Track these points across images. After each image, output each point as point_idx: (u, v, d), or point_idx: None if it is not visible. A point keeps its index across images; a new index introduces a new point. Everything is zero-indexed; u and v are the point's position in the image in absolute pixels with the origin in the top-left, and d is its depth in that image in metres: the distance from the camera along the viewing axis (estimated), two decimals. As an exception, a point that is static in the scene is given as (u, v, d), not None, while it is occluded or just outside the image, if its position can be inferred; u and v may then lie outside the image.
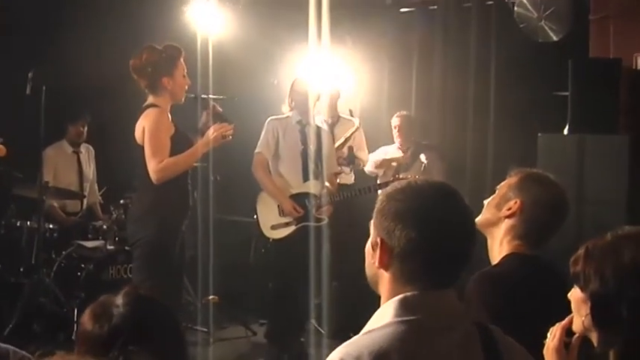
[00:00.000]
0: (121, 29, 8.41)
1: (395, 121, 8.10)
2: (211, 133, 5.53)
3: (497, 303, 2.85)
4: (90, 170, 8.53)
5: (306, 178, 6.80)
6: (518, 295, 2.90)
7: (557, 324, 2.44)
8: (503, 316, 2.56)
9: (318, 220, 6.78)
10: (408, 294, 2.04)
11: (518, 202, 3.08)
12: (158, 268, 5.30)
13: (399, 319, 2.01)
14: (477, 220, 3.02)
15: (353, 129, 7.82)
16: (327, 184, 6.92)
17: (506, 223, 3.10)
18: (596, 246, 2.30)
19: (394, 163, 8.02)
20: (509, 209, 3.09)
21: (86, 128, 8.40)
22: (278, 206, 6.78)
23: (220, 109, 5.87)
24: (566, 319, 2.41)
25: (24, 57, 7.59)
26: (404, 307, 2.02)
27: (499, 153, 7.93)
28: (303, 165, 6.80)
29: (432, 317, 2.02)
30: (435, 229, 2.04)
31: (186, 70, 5.57)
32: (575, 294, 2.33)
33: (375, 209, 2.13)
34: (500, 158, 7.79)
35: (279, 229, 6.75)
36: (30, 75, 6.95)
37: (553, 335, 2.44)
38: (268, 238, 6.85)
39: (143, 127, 5.39)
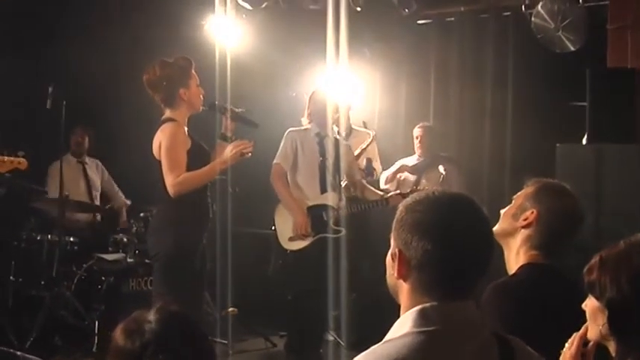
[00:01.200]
0: (139, 44, 8.47)
1: (417, 131, 8.08)
2: (230, 150, 5.54)
3: (511, 313, 2.86)
4: (98, 180, 8.59)
5: (323, 190, 6.82)
6: (532, 305, 2.91)
7: (574, 334, 2.45)
8: (517, 326, 2.56)
9: (336, 231, 6.79)
10: (427, 305, 2.04)
11: (535, 212, 3.08)
12: (178, 281, 5.31)
13: (418, 329, 2.02)
14: (494, 229, 2.98)
15: (369, 140, 7.83)
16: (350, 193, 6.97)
17: (523, 234, 3.10)
18: (610, 254, 2.31)
19: (401, 176, 8.02)
20: (525, 219, 3.09)
21: (87, 139, 8.48)
22: None
23: (238, 110, 5.87)
24: (583, 329, 2.42)
25: (45, 71, 7.63)
26: (422, 317, 2.03)
27: (517, 163, 7.91)
28: (321, 177, 6.81)
29: (450, 328, 2.02)
30: (452, 241, 2.04)
31: (198, 80, 5.58)
32: (590, 303, 2.34)
33: (394, 220, 2.14)
34: (518, 169, 7.78)
35: (297, 240, 6.76)
36: (50, 89, 7.01)
37: (570, 344, 2.45)
38: (286, 250, 6.87)
39: (160, 141, 5.42)
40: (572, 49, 7.45)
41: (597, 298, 2.30)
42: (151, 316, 2.20)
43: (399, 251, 2.09)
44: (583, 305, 2.38)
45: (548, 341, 2.46)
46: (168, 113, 5.52)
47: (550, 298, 2.94)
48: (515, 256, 3.12)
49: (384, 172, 8.07)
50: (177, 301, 4.78)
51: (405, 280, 2.10)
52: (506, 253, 3.16)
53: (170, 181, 5.34)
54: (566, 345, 2.47)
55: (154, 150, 5.48)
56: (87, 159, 8.60)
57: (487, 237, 2.13)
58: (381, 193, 7.16)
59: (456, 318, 2.04)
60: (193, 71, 5.55)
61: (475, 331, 2.08)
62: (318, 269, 6.60)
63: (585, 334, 2.41)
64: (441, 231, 2.05)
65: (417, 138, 8.07)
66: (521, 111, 8.08)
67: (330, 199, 6.81)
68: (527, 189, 3.17)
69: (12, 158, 6.82)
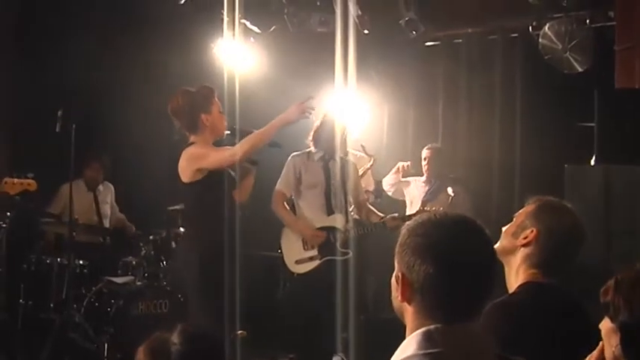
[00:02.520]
0: (149, 67, 8.53)
1: (425, 152, 8.10)
2: (293, 109, 5.68)
3: (510, 332, 2.83)
4: (108, 207, 8.62)
5: (330, 212, 6.82)
6: (531, 324, 2.90)
7: (590, 354, 2.44)
8: (517, 345, 2.56)
9: (344, 253, 6.78)
10: (431, 327, 2.05)
11: (535, 230, 3.08)
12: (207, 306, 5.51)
13: (422, 351, 2.02)
14: (495, 247, 3.02)
15: (368, 165, 7.85)
16: (354, 216, 6.95)
17: (523, 252, 3.10)
18: (626, 277, 2.31)
19: (404, 179, 8.05)
20: (525, 238, 3.09)
21: (102, 171, 8.51)
22: (302, 240, 6.81)
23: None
24: (598, 349, 2.41)
25: (54, 94, 7.67)
26: (427, 339, 2.03)
27: (525, 185, 7.91)
28: (327, 199, 6.82)
29: (454, 350, 2.02)
30: (453, 265, 2.04)
31: (221, 107, 5.70)
32: (605, 324, 2.34)
33: (397, 243, 2.15)
34: (527, 190, 7.71)
35: (304, 263, 6.77)
36: (60, 113, 7.03)
37: None
38: (293, 273, 6.87)
39: (185, 161, 5.52)
40: (580, 69, 7.46)
41: (611, 319, 2.30)
42: (175, 337, 2.21)
43: (402, 274, 2.10)
44: (600, 325, 2.37)
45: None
46: (192, 139, 5.65)
47: (549, 317, 2.93)
48: (515, 274, 3.12)
49: (385, 178, 8.09)
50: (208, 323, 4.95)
51: (409, 303, 2.10)
52: (506, 270, 3.16)
53: (228, 154, 5.52)
54: None
55: (180, 174, 5.57)
56: (100, 186, 8.64)
57: (490, 259, 2.13)
58: (381, 215, 7.15)
59: (460, 340, 2.04)
60: (216, 98, 5.68)
61: (480, 352, 2.07)
62: (326, 292, 6.59)
63: (599, 354, 2.40)
64: (442, 255, 2.05)
65: (424, 159, 8.08)
66: (530, 132, 8.08)
67: (337, 221, 6.81)
68: (528, 207, 3.17)
69: (22, 180, 6.87)
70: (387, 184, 8.15)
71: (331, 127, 6.87)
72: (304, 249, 6.79)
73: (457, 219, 2.14)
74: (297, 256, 6.78)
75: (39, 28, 8.50)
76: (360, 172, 7.66)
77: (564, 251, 3.10)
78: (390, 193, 8.19)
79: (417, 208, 7.73)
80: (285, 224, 6.90)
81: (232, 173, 5.70)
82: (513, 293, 3.09)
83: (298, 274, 6.83)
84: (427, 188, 8.04)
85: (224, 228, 5.59)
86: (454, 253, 2.05)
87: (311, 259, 6.75)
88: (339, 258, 6.75)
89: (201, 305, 5.59)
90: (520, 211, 3.20)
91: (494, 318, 2.89)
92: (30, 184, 6.99)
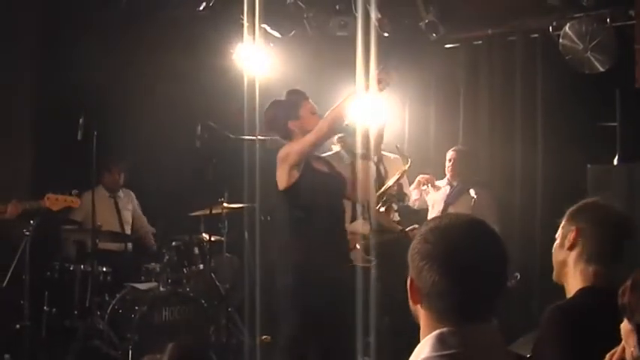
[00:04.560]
0: (169, 72, 8.55)
1: (450, 154, 8.08)
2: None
3: (568, 337, 2.82)
4: (129, 213, 8.61)
5: (353, 218, 6.78)
6: (588, 329, 2.85)
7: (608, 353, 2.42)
8: (573, 349, 2.54)
9: (367, 260, 6.70)
10: (444, 330, 2.06)
11: (574, 229, 3.06)
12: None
13: (436, 353, 2.03)
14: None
15: (405, 167, 7.79)
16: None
17: (573, 256, 3.06)
18: None
19: (426, 189, 8.01)
20: (569, 241, 3.07)
21: (122, 175, 8.50)
22: None
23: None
24: (619, 350, 2.39)
25: (74, 103, 7.69)
26: (440, 342, 2.05)
27: (548, 185, 7.88)
28: (352, 204, 6.76)
29: (468, 351, 2.03)
30: (459, 273, 2.06)
31: (314, 109, 5.79)
32: (624, 325, 2.32)
33: (410, 247, 2.16)
34: (550, 191, 7.75)
35: None
36: (81, 120, 7.05)
37: None
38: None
39: (278, 170, 5.62)
40: (602, 69, 7.41)
41: (629, 320, 2.28)
42: (164, 357, 2.19)
43: (412, 280, 2.13)
44: (621, 326, 2.36)
45: None
46: None
47: (606, 323, 2.90)
48: (573, 280, 3.07)
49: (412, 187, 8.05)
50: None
51: (420, 306, 2.13)
52: (566, 288, 3.12)
53: (308, 138, 5.58)
54: None
55: (278, 184, 5.65)
56: (120, 191, 8.64)
57: (500, 264, 2.13)
58: (399, 227, 7.06)
59: (474, 341, 2.05)
60: (307, 102, 5.79)
61: (495, 352, 2.07)
62: (350, 297, 6.52)
63: (620, 355, 2.38)
64: (448, 263, 2.06)
65: (449, 160, 8.04)
66: (552, 133, 8.04)
67: (360, 227, 6.75)
68: (565, 217, 3.15)
69: (65, 197, 6.88)
70: (411, 200, 8.07)
71: (352, 128, 6.80)
72: None
73: (466, 224, 2.14)
74: None
75: (59, 34, 8.54)
76: (398, 176, 7.57)
77: (610, 238, 3.04)
78: (414, 207, 8.12)
79: (439, 211, 7.70)
80: None
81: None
82: (572, 297, 3.05)
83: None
84: (449, 191, 8.00)
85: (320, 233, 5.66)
86: (460, 262, 2.06)
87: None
88: (362, 265, 6.67)
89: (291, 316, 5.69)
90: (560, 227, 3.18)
91: (552, 322, 2.90)
92: (73, 201, 7.01)
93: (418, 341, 2.20)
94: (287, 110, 5.74)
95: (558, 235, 3.16)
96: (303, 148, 5.59)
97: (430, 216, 7.89)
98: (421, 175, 8.05)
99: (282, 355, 5.77)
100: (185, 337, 6.98)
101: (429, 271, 2.06)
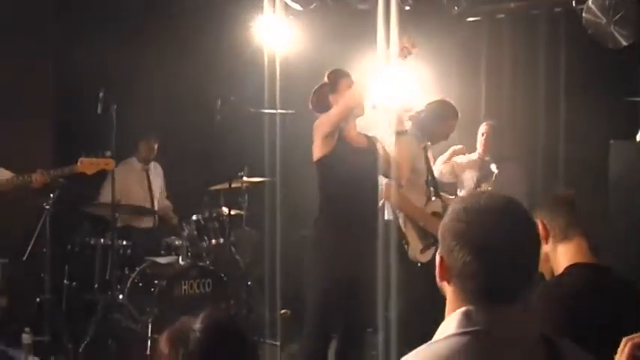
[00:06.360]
0: (188, 46, 8.52)
1: (483, 128, 7.99)
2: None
3: (558, 313, 2.84)
4: (157, 186, 8.59)
5: (428, 198, 6.71)
6: (579, 305, 2.89)
7: (625, 337, 2.37)
8: (565, 327, 2.52)
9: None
10: (471, 307, 2.03)
11: (540, 221, 3.15)
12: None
13: (462, 330, 2.00)
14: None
15: (457, 147, 7.79)
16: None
17: (549, 247, 3.17)
18: None
19: (460, 160, 7.96)
20: (543, 237, 3.15)
21: (157, 145, 8.46)
22: (419, 228, 6.58)
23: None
24: (638, 335, 2.35)
25: (94, 76, 7.68)
26: (466, 318, 2.01)
27: (570, 160, 7.81)
28: (426, 183, 6.73)
29: (495, 329, 2.00)
30: (491, 254, 2.01)
31: (350, 84, 5.93)
32: None
33: (441, 224, 2.12)
34: (572, 166, 7.70)
35: (427, 251, 6.48)
36: (100, 95, 7.02)
37: (622, 349, 2.37)
38: (416, 264, 6.52)
39: (315, 140, 5.88)
40: (625, 44, 7.32)
41: None
42: (197, 324, 2.16)
43: (441, 257, 2.09)
44: None
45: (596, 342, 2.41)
46: None
47: (598, 299, 2.91)
48: (561, 262, 3.14)
49: (436, 165, 7.92)
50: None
51: (448, 284, 2.09)
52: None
53: (341, 106, 5.81)
54: (619, 351, 2.40)
55: (313, 153, 5.91)
56: (151, 164, 8.63)
57: (531, 246, 2.10)
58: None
59: (500, 320, 2.01)
60: (346, 78, 6.04)
61: (522, 333, 2.04)
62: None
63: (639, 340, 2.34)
64: (480, 244, 2.02)
65: (482, 135, 7.96)
66: (574, 108, 7.96)
67: (438, 206, 6.68)
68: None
69: (100, 159, 6.77)
70: (442, 173, 7.96)
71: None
72: (424, 236, 6.54)
73: (504, 206, 2.09)
74: (421, 244, 6.53)
75: (77, 12, 8.52)
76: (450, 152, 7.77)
77: (565, 209, 3.20)
78: (444, 180, 8.01)
79: (470, 188, 7.65)
80: (408, 214, 6.59)
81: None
82: (561, 274, 3.10)
83: (422, 264, 6.51)
84: (481, 166, 7.91)
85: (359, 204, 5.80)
86: (492, 244, 2.02)
87: (432, 244, 6.43)
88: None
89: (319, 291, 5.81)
90: None
91: (543, 299, 2.92)
92: (108, 163, 6.82)
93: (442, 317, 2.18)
94: (328, 85, 6.03)
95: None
96: (331, 118, 5.76)
97: (461, 191, 7.85)
98: (454, 147, 7.98)
99: (309, 323, 5.86)
100: (216, 306, 6.99)
101: (460, 252, 2.02)
